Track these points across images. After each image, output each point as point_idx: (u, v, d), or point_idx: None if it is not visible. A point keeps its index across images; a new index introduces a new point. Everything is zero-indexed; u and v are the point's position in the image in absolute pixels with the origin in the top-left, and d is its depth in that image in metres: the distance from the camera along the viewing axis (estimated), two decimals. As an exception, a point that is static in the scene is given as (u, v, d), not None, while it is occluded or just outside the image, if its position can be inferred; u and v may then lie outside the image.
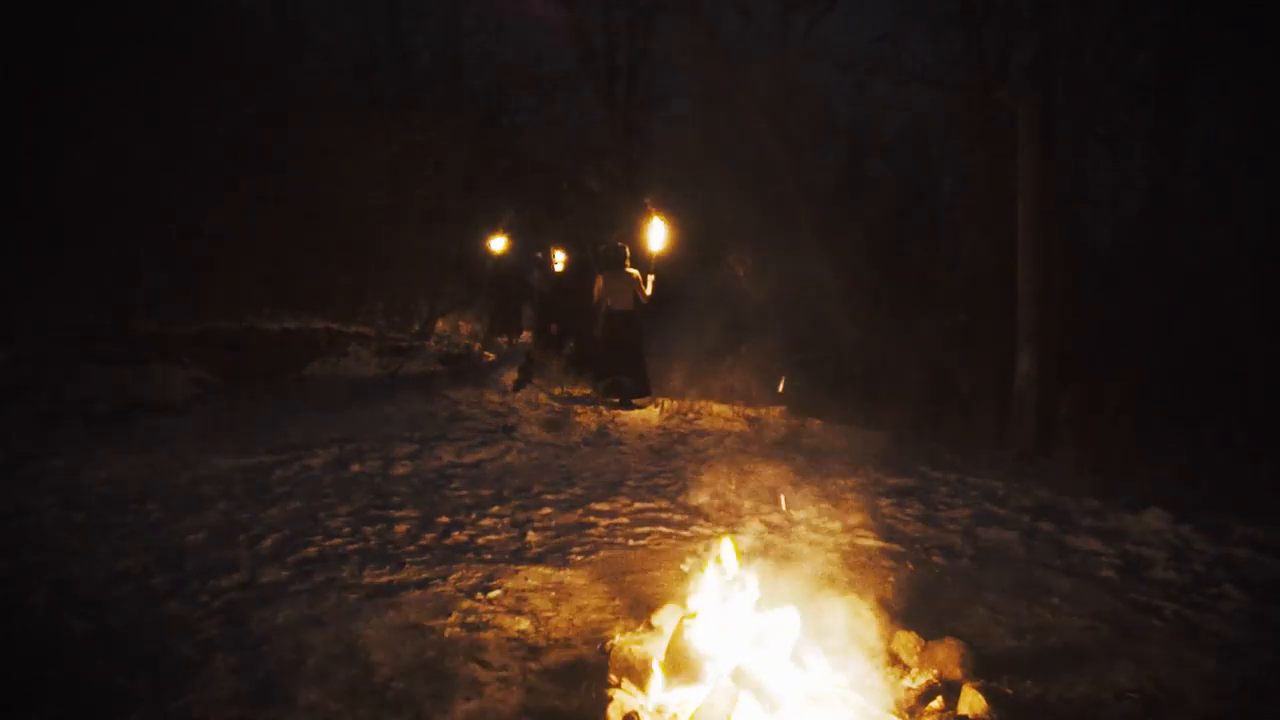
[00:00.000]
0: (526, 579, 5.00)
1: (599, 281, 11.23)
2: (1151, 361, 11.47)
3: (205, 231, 12.10)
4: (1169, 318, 11.95)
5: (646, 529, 6.15)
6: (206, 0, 14.12)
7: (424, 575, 5.02)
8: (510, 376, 11.52)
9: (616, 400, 11.02)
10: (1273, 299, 11.01)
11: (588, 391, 11.57)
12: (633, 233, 11.26)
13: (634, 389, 11.01)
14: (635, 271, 10.97)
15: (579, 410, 10.61)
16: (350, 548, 5.49)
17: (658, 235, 10.64)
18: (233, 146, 12.79)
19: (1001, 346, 11.57)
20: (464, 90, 18.02)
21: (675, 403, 11.45)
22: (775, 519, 6.47)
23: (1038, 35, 10.96)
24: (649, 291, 10.88)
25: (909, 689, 3.74)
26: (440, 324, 16.91)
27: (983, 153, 14.10)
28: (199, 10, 13.61)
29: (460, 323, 17.95)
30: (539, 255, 15.42)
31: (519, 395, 11.10)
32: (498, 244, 15.57)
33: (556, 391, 11.82)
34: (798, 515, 6.59)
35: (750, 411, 11.26)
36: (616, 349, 11.03)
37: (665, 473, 7.84)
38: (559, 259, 15.06)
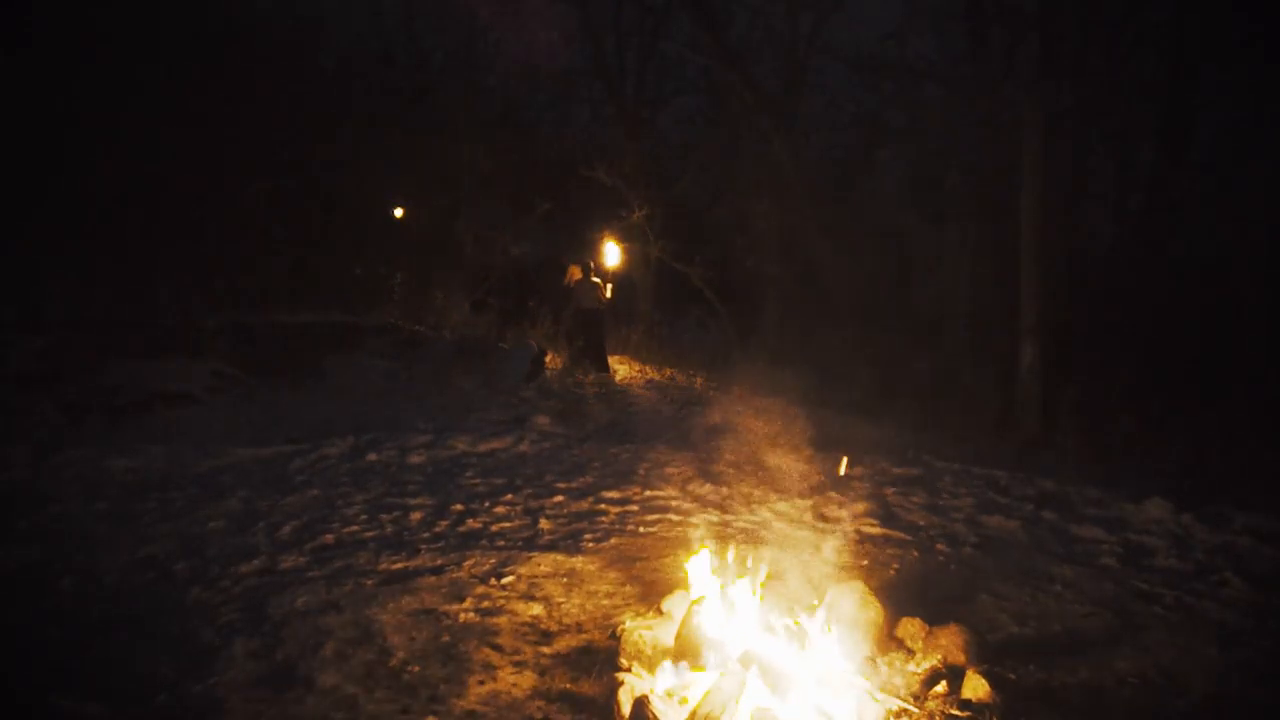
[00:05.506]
0: (539, 565, 5.09)
1: (574, 271, 13.58)
2: (1153, 354, 11.48)
3: (225, 227, 12.22)
4: (1170, 311, 11.95)
5: (657, 516, 6.23)
6: (227, 4, 14.24)
7: (439, 562, 5.11)
8: (524, 363, 11.66)
9: (586, 374, 12.93)
10: (1274, 292, 11.00)
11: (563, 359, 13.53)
12: (599, 249, 14.11)
13: (596, 366, 13.27)
14: (599, 280, 13.56)
15: (590, 401, 10.72)
16: (367, 535, 5.60)
17: (613, 255, 14.00)
18: (252, 145, 12.90)
19: (1005, 339, 11.60)
20: (478, 88, 18.05)
21: (685, 392, 11.53)
22: (783, 507, 6.55)
23: (1042, 33, 10.95)
24: (609, 295, 13.65)
25: (914, 673, 3.81)
26: (454, 316, 17.00)
27: (987, 148, 14.09)
28: (220, 13, 13.73)
29: (473, 314, 18.03)
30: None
31: (531, 386, 11.20)
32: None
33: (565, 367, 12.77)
34: (804, 503, 6.66)
35: (759, 402, 11.32)
36: (584, 337, 13.37)
37: (675, 462, 7.90)
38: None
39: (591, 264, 13.75)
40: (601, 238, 14.24)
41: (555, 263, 15.25)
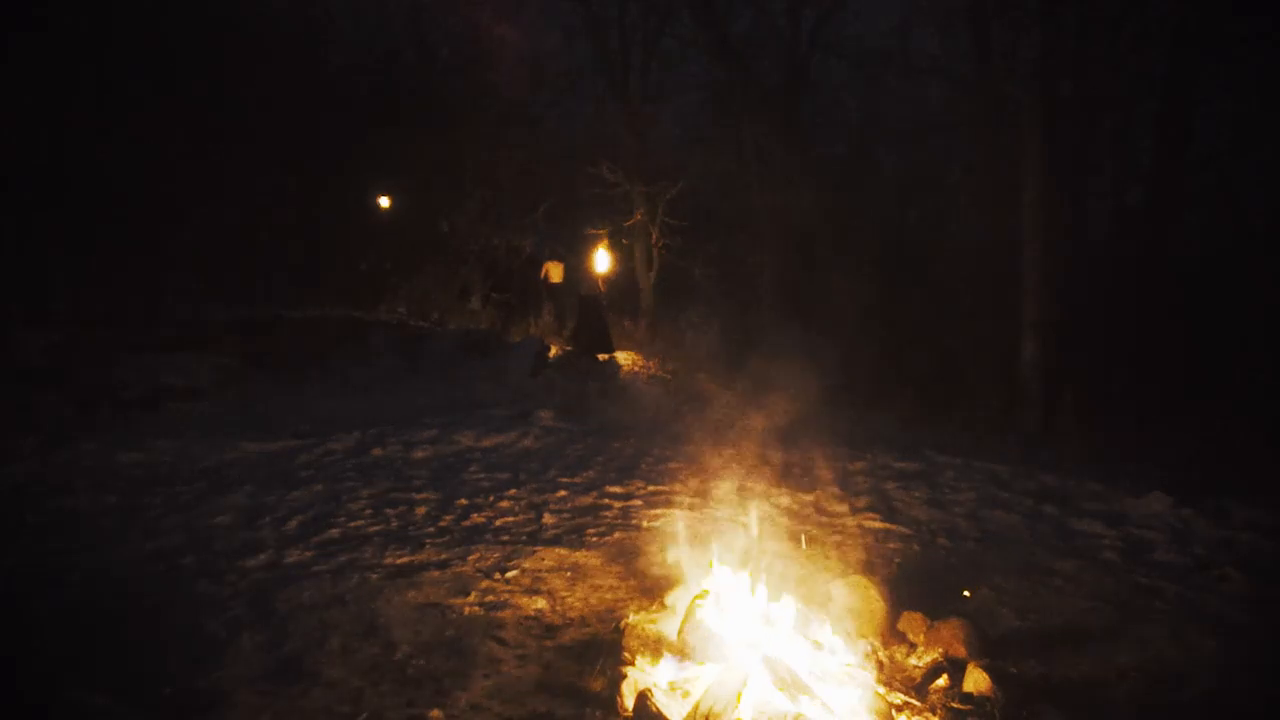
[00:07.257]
0: (543, 560, 5.12)
1: (549, 268, 15.36)
2: (1153, 348, 11.49)
3: (232, 224, 12.28)
4: (1171, 305, 11.96)
5: (660, 511, 6.26)
6: (234, 2, 14.28)
7: (443, 556, 5.15)
8: (528, 358, 11.69)
9: (590, 354, 13.86)
10: (1274, 286, 11.01)
11: (570, 347, 14.29)
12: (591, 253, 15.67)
13: (600, 348, 14.23)
14: (598, 271, 15.38)
15: (594, 396, 10.74)
16: (372, 529, 5.63)
17: (603, 261, 15.60)
18: (258, 142, 12.95)
19: (1006, 334, 11.62)
20: (482, 86, 18.06)
21: (687, 387, 11.55)
22: (785, 501, 6.57)
23: (1043, 30, 10.94)
24: (603, 288, 15.48)
25: (915, 667, 3.84)
26: (458, 311, 17.05)
27: (989, 143, 14.10)
28: (226, 11, 13.76)
29: (476, 309, 18.09)
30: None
31: (535, 381, 11.23)
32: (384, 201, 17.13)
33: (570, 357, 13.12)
34: (807, 497, 6.69)
35: (761, 397, 11.34)
36: (588, 319, 14.55)
37: (678, 457, 7.93)
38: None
39: (593, 256, 14.88)
40: (593, 245, 15.69)
41: (555, 259, 15.52)
